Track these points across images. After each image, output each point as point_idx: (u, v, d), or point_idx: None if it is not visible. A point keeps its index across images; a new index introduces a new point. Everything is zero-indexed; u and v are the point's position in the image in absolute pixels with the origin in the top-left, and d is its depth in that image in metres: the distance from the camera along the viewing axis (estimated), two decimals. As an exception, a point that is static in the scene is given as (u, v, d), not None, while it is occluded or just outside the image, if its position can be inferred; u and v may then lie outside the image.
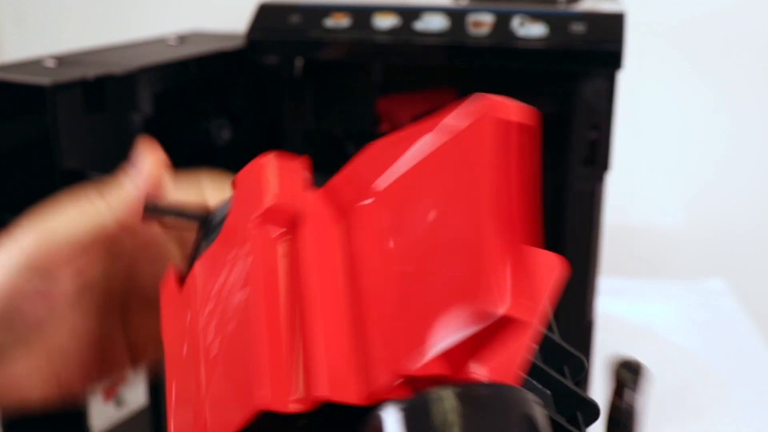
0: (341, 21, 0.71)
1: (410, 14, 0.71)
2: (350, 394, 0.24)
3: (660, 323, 1.03)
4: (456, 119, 0.25)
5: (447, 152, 0.25)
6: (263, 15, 0.74)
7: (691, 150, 1.14)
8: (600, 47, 0.67)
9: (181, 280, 0.33)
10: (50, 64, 0.65)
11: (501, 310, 0.22)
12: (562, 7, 0.71)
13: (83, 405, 0.64)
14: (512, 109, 0.25)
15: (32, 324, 0.37)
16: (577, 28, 0.67)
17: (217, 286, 0.29)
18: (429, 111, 0.89)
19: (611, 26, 0.68)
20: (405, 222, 0.26)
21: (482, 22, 0.69)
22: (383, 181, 0.27)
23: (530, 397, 0.24)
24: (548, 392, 0.30)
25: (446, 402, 0.22)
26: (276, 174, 0.30)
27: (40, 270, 0.37)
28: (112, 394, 0.67)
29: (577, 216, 0.73)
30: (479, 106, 0.24)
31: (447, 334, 0.23)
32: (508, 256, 0.23)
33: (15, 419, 0.67)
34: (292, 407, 0.24)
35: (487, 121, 0.24)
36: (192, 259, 0.34)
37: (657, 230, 1.16)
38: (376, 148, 0.28)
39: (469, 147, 0.24)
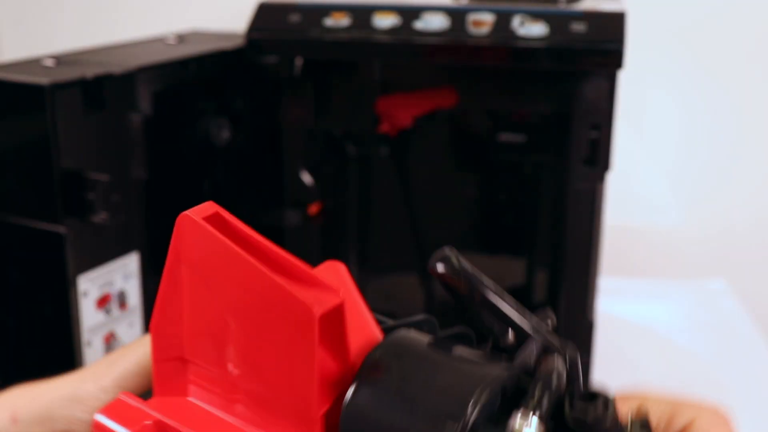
0: (341, 20, 0.71)
1: (410, 13, 0.70)
2: None
3: (660, 323, 1.03)
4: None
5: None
6: (263, 14, 0.74)
7: (691, 149, 1.14)
8: (600, 46, 0.66)
9: None
10: (49, 63, 0.65)
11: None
12: (562, 7, 0.70)
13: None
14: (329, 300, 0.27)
15: None
16: (578, 27, 0.67)
17: None
18: (429, 111, 0.89)
19: (612, 25, 0.68)
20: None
21: (482, 22, 0.69)
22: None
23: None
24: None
25: None
26: None
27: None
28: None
29: (578, 216, 0.72)
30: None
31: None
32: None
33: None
34: None
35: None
36: None
37: (657, 230, 1.16)
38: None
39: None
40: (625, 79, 0.72)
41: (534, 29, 0.67)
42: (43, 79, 0.58)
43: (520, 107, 0.82)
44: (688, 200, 1.16)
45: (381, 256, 0.94)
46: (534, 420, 0.27)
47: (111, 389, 0.37)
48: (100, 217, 0.61)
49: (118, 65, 0.65)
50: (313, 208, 0.81)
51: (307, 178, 0.79)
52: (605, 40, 0.67)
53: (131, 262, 0.67)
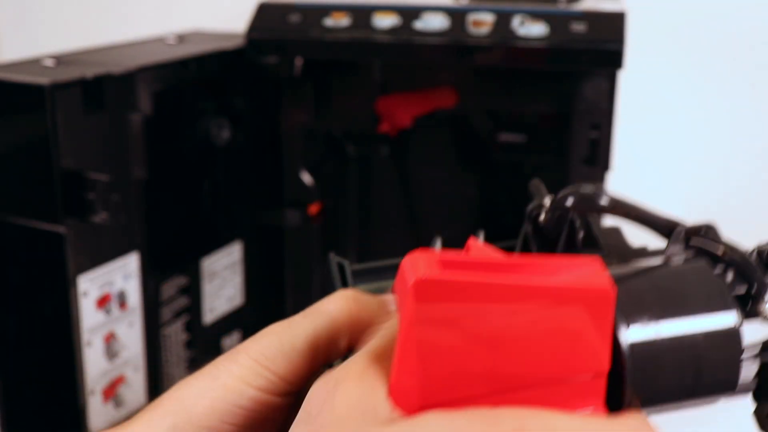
0: (341, 20, 0.71)
1: (410, 13, 0.70)
2: None
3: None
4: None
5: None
6: (263, 14, 0.74)
7: (692, 149, 1.14)
8: (601, 46, 0.66)
9: None
10: (49, 63, 0.65)
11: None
12: (562, 7, 0.70)
13: (82, 405, 0.64)
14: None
15: None
16: (578, 27, 0.67)
17: None
18: (429, 111, 0.89)
19: (612, 25, 0.67)
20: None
21: (482, 22, 0.69)
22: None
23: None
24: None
25: None
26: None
27: None
28: (111, 395, 0.67)
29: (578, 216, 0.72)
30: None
31: None
32: None
33: (15, 418, 0.67)
34: None
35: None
36: None
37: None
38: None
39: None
40: (625, 78, 0.72)
41: (534, 29, 0.67)
42: (43, 79, 0.58)
43: (520, 107, 0.82)
44: (689, 200, 1.16)
45: (381, 256, 0.94)
46: None
47: None
48: (100, 217, 0.61)
49: (118, 65, 0.65)
50: (313, 208, 0.81)
51: (307, 178, 0.79)
52: (605, 40, 0.67)
53: (131, 262, 0.67)
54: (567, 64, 0.68)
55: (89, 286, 0.63)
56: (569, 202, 0.36)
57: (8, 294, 0.64)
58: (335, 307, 0.34)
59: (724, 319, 0.30)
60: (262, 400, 0.34)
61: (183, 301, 0.75)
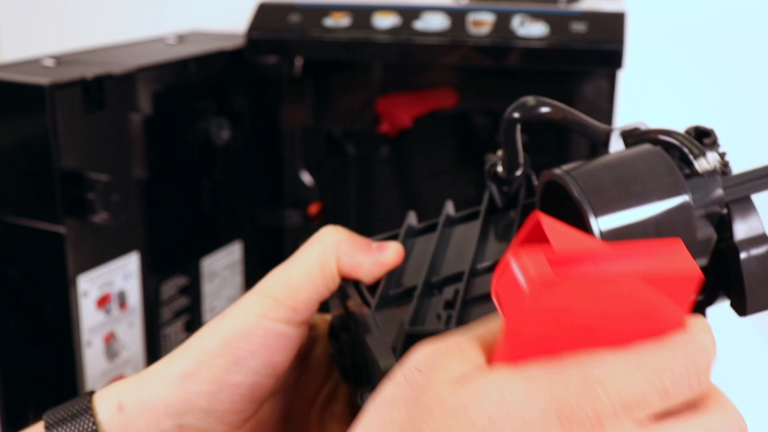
0: (341, 20, 0.71)
1: (410, 13, 0.70)
2: None
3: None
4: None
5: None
6: (263, 14, 0.74)
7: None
8: (601, 47, 0.66)
9: None
10: (49, 63, 0.65)
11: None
12: (562, 7, 0.70)
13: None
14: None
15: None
16: (578, 27, 0.67)
17: None
18: (429, 111, 0.89)
19: (612, 25, 0.67)
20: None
21: (482, 22, 0.69)
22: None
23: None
24: None
25: None
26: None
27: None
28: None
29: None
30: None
31: None
32: None
33: (15, 418, 0.67)
34: None
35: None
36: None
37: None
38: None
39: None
40: (625, 79, 0.72)
41: (534, 29, 0.67)
42: (43, 79, 0.58)
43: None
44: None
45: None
46: (711, 155, 0.38)
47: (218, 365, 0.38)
48: (100, 217, 0.61)
49: (118, 65, 0.65)
50: (313, 208, 0.81)
51: (307, 178, 0.79)
52: (605, 40, 0.67)
53: (131, 262, 0.67)
54: (567, 64, 0.68)
55: (89, 286, 0.63)
56: (516, 114, 0.42)
57: (8, 294, 0.64)
58: (323, 240, 0.41)
59: (677, 198, 0.34)
60: (269, 327, 0.39)
61: (183, 301, 0.75)
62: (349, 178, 0.90)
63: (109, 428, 0.39)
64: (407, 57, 0.70)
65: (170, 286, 0.73)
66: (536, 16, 0.68)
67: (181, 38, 0.81)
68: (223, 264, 0.79)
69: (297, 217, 0.80)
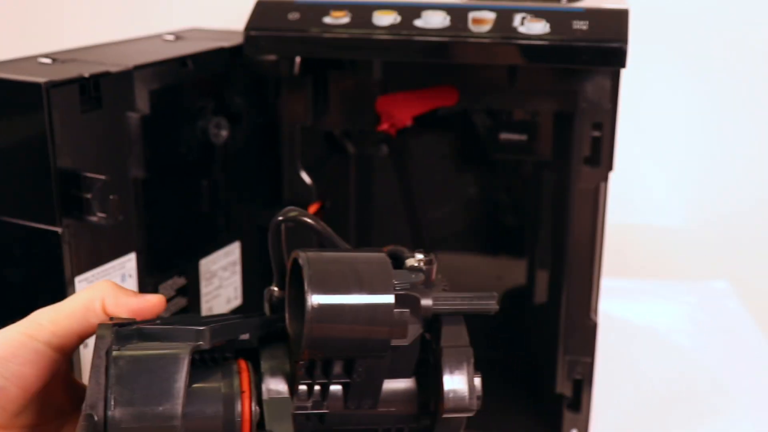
0: (340, 18, 0.70)
1: (410, 11, 0.70)
2: None
3: (663, 324, 1.02)
4: None
5: None
6: (261, 12, 0.73)
7: (695, 149, 1.13)
8: (603, 45, 0.66)
9: None
10: (46, 61, 0.64)
11: None
12: (564, 4, 0.70)
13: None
14: None
15: None
16: (580, 25, 0.67)
17: None
18: (429, 109, 0.89)
19: (614, 23, 0.67)
20: None
21: (483, 19, 0.68)
22: None
23: None
24: None
25: None
26: None
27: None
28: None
29: (580, 216, 0.72)
30: None
31: None
32: None
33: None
34: None
35: None
36: None
37: (660, 231, 1.16)
38: None
39: None
40: (628, 77, 0.71)
41: (535, 27, 0.67)
42: (39, 78, 0.58)
43: (521, 106, 0.82)
44: (692, 200, 1.15)
45: (381, 256, 0.94)
46: (418, 255, 0.48)
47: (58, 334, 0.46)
48: (98, 217, 0.60)
49: (116, 63, 0.65)
50: (313, 208, 0.80)
51: (306, 177, 0.79)
52: (607, 38, 0.66)
53: (129, 263, 0.67)
54: (569, 62, 0.67)
55: (86, 286, 0.63)
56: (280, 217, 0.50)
57: (5, 295, 0.64)
58: (93, 286, 0.48)
59: (383, 297, 0.43)
60: (25, 341, 0.45)
61: (181, 302, 0.74)
62: (349, 177, 0.90)
63: None
64: (407, 55, 0.70)
65: (168, 287, 0.72)
66: (538, 13, 0.68)
67: (179, 36, 0.80)
68: (221, 264, 0.79)
69: (296, 216, 0.79)
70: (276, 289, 0.50)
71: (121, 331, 0.44)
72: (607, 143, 0.70)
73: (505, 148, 0.84)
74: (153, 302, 0.48)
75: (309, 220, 0.49)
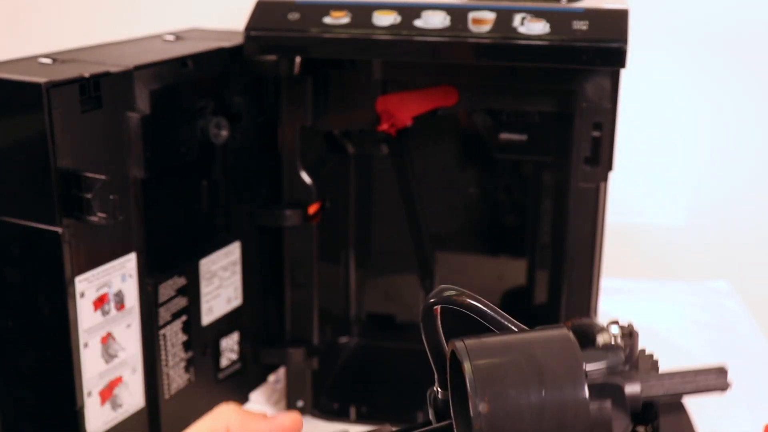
0: (340, 18, 0.70)
1: (410, 11, 0.70)
2: None
3: (663, 324, 1.02)
4: None
5: None
6: (262, 12, 0.73)
7: (695, 149, 1.13)
8: (603, 45, 0.66)
9: None
10: (46, 62, 0.64)
11: None
12: (564, 4, 0.70)
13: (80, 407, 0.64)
14: None
15: None
16: (580, 25, 0.67)
17: None
18: (429, 110, 0.89)
19: (614, 23, 0.67)
20: None
21: (483, 20, 0.68)
22: None
23: None
24: None
25: None
26: None
27: None
28: (108, 396, 0.66)
29: (580, 216, 0.72)
30: None
31: None
32: None
33: (12, 420, 0.66)
34: None
35: None
36: None
37: (661, 230, 1.16)
38: None
39: None
40: (628, 77, 0.71)
41: (535, 27, 0.67)
42: (39, 78, 0.58)
43: (521, 106, 0.82)
44: (692, 201, 1.15)
45: (380, 256, 0.94)
46: (614, 327, 0.37)
47: None
48: (98, 217, 0.60)
49: (116, 64, 0.65)
50: (313, 208, 0.80)
51: (306, 177, 0.79)
52: (607, 38, 0.66)
53: (129, 263, 0.67)
54: (569, 62, 0.67)
55: (86, 286, 0.63)
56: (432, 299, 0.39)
57: (5, 295, 0.64)
58: (213, 414, 0.42)
59: (573, 390, 0.34)
60: None
61: (181, 302, 0.74)
62: (349, 177, 0.90)
63: None
64: (407, 55, 0.70)
65: (168, 287, 0.72)
66: (538, 13, 0.68)
67: (179, 36, 0.80)
68: (221, 264, 0.79)
69: (296, 216, 0.79)
70: (439, 390, 0.40)
71: None
72: (607, 143, 0.70)
73: (505, 148, 0.84)
74: (287, 426, 0.41)
75: (472, 302, 0.38)
